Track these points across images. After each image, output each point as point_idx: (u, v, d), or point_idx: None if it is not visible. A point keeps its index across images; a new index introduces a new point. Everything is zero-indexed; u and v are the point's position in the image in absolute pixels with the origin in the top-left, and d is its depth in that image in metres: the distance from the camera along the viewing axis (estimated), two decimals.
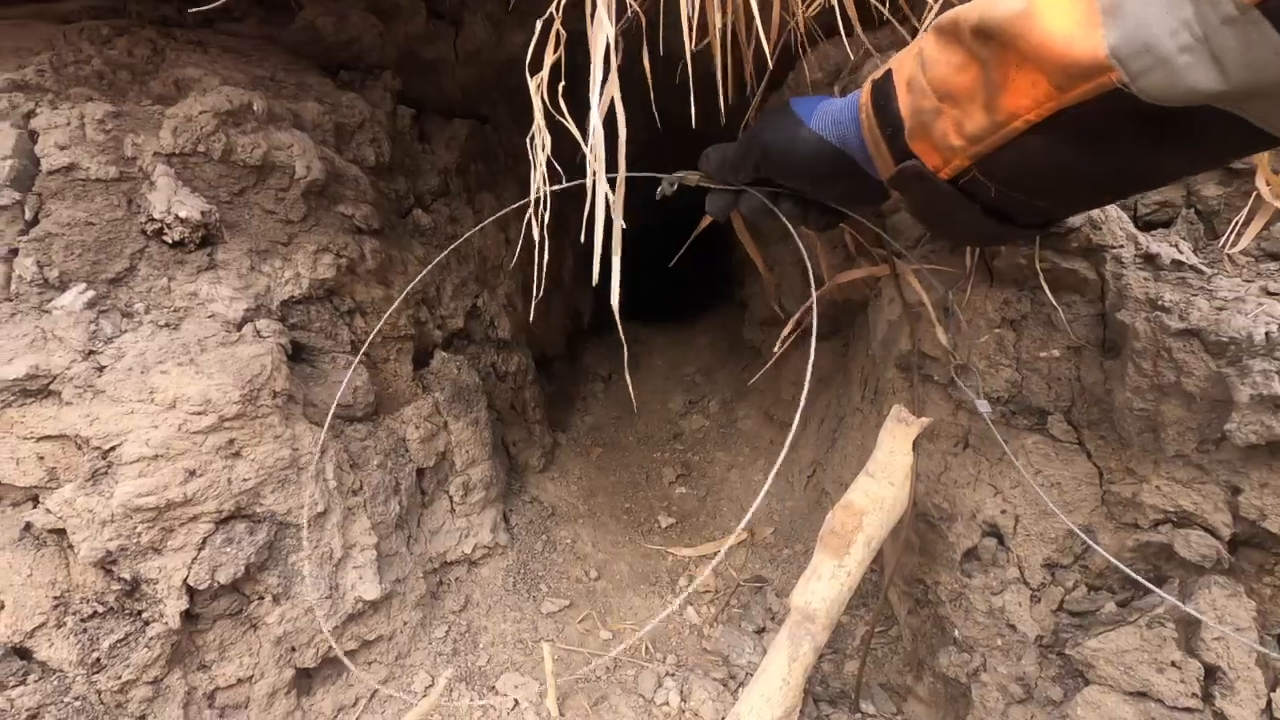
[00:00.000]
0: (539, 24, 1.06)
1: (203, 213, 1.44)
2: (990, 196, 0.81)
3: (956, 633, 1.32)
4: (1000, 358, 1.26)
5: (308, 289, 1.57)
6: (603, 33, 0.81)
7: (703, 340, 3.49)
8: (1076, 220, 1.15)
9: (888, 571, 1.47)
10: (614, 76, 0.87)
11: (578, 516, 2.20)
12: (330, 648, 1.44)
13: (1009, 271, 1.24)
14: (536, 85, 1.01)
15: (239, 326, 1.42)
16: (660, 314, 3.92)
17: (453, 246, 1.86)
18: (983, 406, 1.23)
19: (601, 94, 0.84)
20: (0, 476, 1.21)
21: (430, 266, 1.88)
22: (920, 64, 0.81)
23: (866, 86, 0.93)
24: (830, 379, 2.24)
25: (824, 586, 1.17)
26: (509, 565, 1.90)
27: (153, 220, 1.41)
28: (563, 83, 1.07)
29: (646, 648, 1.70)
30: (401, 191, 2.04)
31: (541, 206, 1.00)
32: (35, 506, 1.22)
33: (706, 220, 1.51)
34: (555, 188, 1.06)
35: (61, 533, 1.21)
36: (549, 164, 1.04)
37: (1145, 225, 1.24)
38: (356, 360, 1.61)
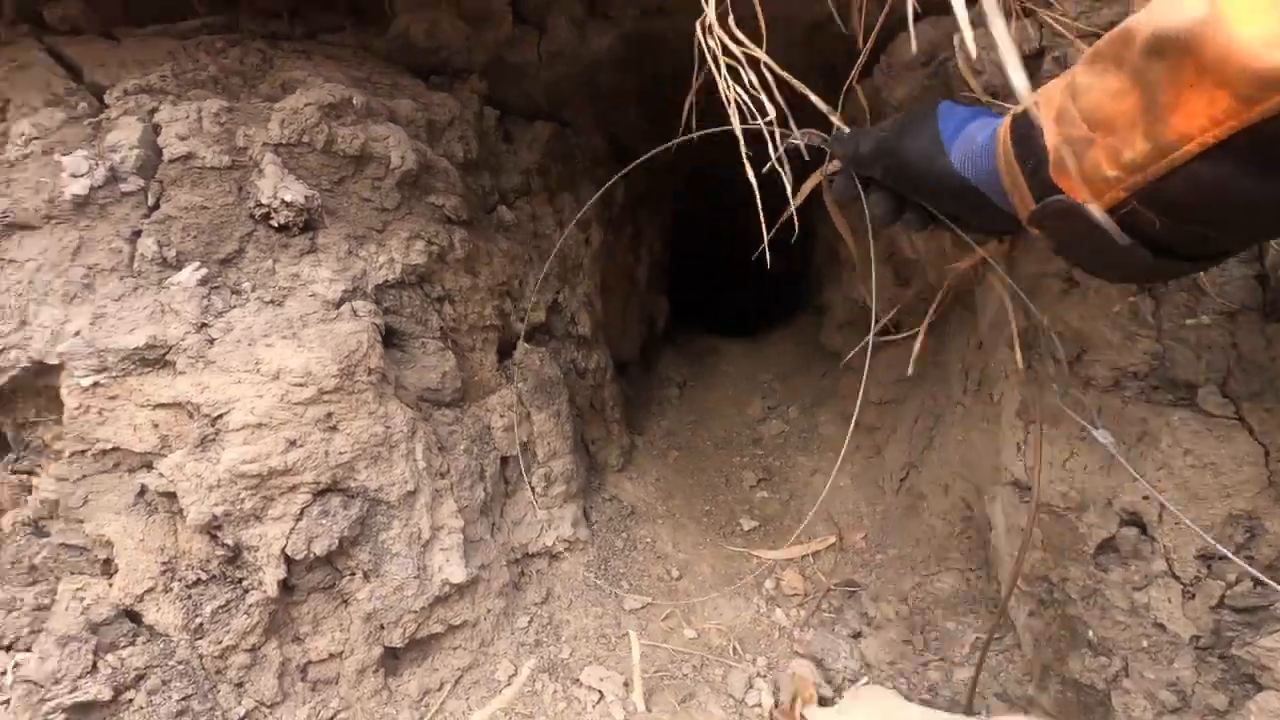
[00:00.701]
0: None
1: (306, 198, 1.49)
2: (1153, 230, 0.73)
3: (1091, 634, 1.19)
4: (1136, 328, 1.15)
5: (400, 274, 1.60)
6: None
7: (779, 347, 3.41)
8: None
9: (1010, 572, 1.35)
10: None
11: (657, 517, 2.14)
12: (417, 628, 1.42)
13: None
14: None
15: (337, 305, 1.45)
16: (734, 323, 3.86)
17: (556, 248, 1.87)
18: (1102, 436, 1.12)
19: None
20: (119, 442, 1.26)
21: (548, 263, 1.89)
22: (1071, 94, 0.75)
23: (1006, 121, 0.87)
24: (922, 376, 2.12)
25: None
26: (590, 560, 1.86)
27: (260, 205, 1.47)
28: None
29: (735, 648, 1.62)
30: (487, 188, 2.07)
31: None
32: (149, 472, 1.26)
33: (812, 182, 1.44)
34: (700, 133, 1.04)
35: (171, 496, 1.25)
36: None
37: None
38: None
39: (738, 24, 1.28)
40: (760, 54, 1.11)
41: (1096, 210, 0.74)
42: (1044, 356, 1.32)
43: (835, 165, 1.21)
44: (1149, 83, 0.65)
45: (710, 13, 1.02)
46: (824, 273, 3.24)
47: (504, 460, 1.77)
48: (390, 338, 1.60)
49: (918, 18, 1.73)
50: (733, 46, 1.06)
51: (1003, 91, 1.44)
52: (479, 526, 1.62)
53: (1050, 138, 0.78)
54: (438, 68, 2.18)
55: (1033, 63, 1.35)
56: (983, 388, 1.63)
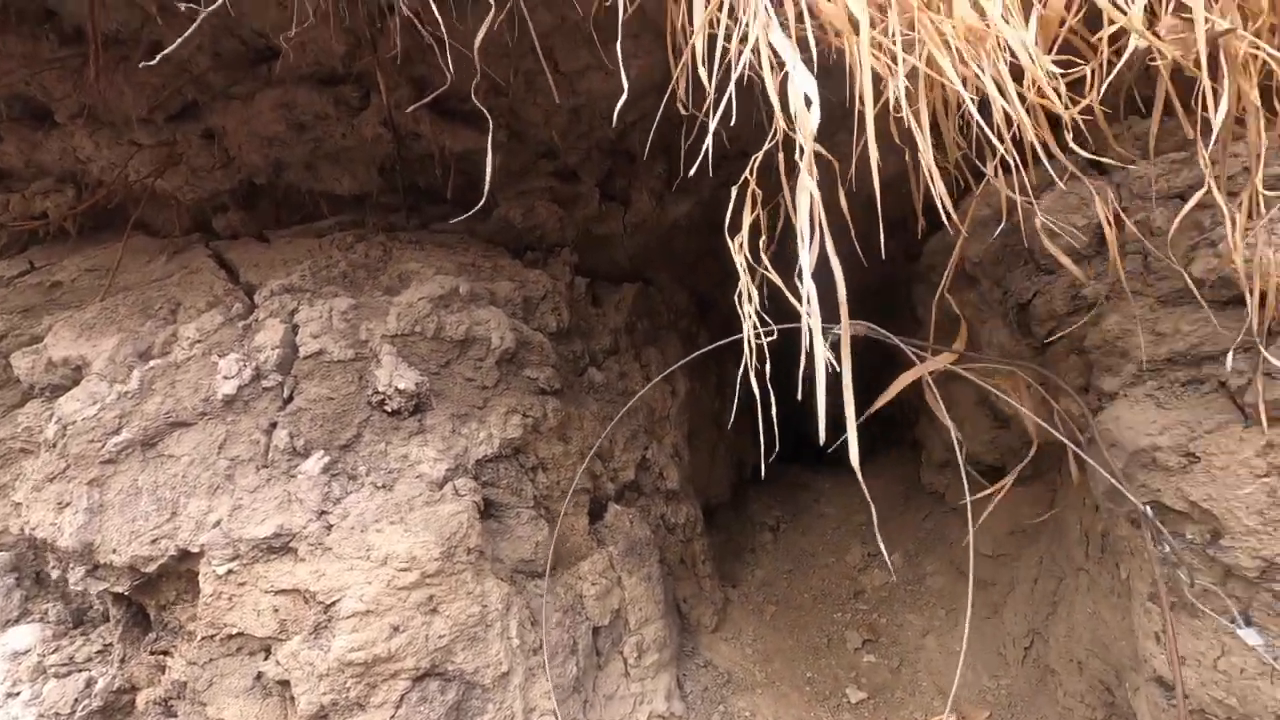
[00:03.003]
0: (734, 190, 1.14)
1: (416, 384, 1.64)
2: None
3: None
4: (1277, 513, 1.05)
5: (498, 448, 1.70)
6: (806, 191, 0.85)
7: (874, 483, 3.27)
8: None
9: None
10: (822, 231, 0.89)
11: (755, 685, 2.02)
12: None
13: (1271, 409, 1.06)
14: (739, 244, 1.08)
15: (440, 485, 1.54)
16: (826, 456, 3.76)
17: (630, 404, 1.94)
18: (1251, 637, 1.01)
19: (810, 246, 0.86)
20: (243, 627, 1.35)
21: (614, 422, 1.97)
22: None
23: None
24: (1037, 532, 1.98)
25: None
26: None
27: (377, 393, 1.62)
28: (757, 238, 1.13)
29: None
30: (578, 352, 2.20)
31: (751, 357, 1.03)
32: (267, 658, 1.34)
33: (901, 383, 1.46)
34: (772, 327, 1.09)
35: (285, 684, 1.31)
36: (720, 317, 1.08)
37: None
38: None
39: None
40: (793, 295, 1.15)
41: None
42: (1165, 533, 1.21)
43: (937, 364, 1.21)
44: None
45: (744, 234, 1.08)
46: (916, 404, 3.15)
47: (595, 630, 1.75)
48: (487, 509, 1.67)
49: (982, 176, 1.78)
50: (765, 269, 1.11)
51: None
52: (571, 705, 1.58)
53: None
54: (533, 244, 2.40)
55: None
56: (1106, 555, 1.50)
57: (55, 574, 1.53)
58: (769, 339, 1.09)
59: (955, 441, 1.82)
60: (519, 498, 1.72)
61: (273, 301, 1.83)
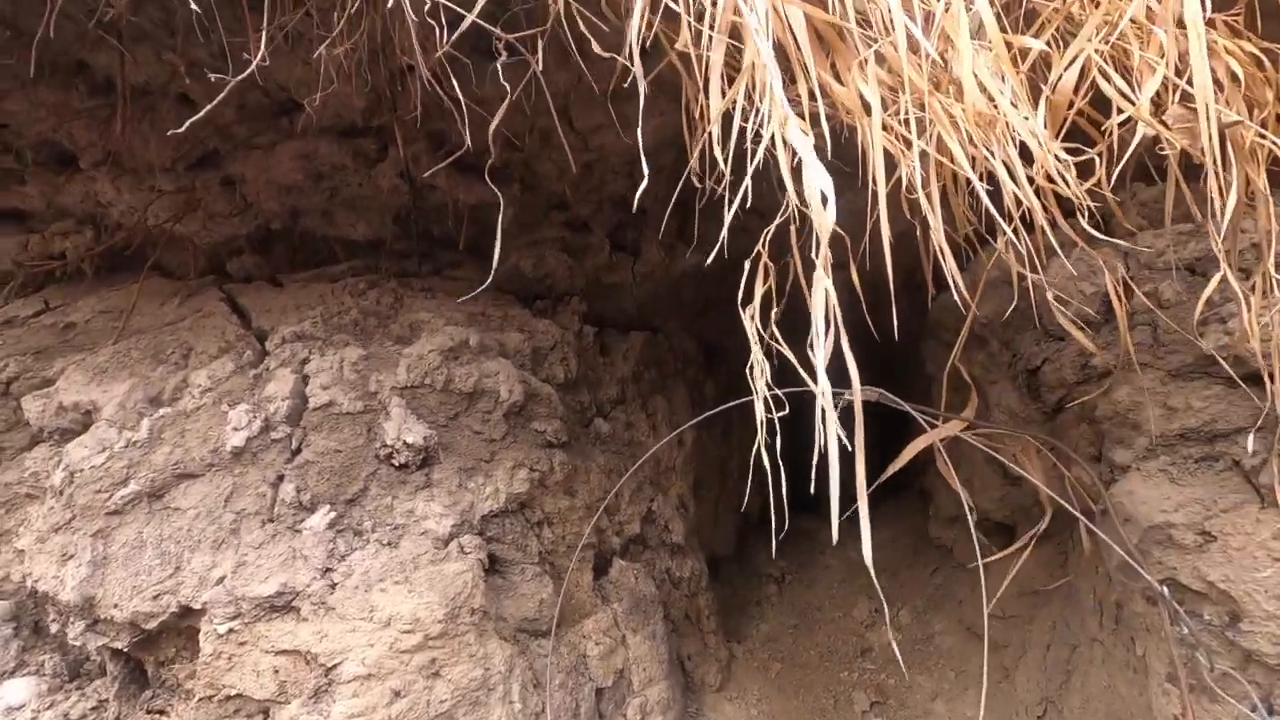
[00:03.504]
0: (748, 263, 1.16)
1: (425, 438, 1.64)
2: None
3: None
4: None
5: (504, 503, 1.69)
6: (821, 286, 0.87)
7: (881, 534, 3.22)
8: None
9: None
10: (837, 326, 0.90)
11: None
12: None
13: None
14: (751, 316, 1.09)
15: (446, 543, 1.53)
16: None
17: (641, 462, 1.94)
18: None
19: (825, 339, 0.87)
20: (242, 689, 1.33)
21: (623, 480, 1.96)
22: None
23: None
24: (1050, 595, 1.94)
25: None
26: None
27: (385, 446, 1.62)
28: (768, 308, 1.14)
29: None
30: (585, 403, 2.20)
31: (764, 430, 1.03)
32: None
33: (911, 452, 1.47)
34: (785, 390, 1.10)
35: None
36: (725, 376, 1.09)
37: None
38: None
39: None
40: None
41: None
42: (1183, 615, 1.19)
43: (948, 431, 1.22)
44: None
45: (755, 306, 1.10)
46: (924, 454, 3.13)
47: (599, 691, 1.72)
48: (492, 565, 1.65)
49: (994, 235, 1.79)
50: (778, 343, 1.12)
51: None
52: None
53: None
54: (542, 293, 2.42)
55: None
56: (1121, 628, 1.47)
57: (55, 627, 1.51)
58: (780, 413, 1.09)
59: (966, 506, 1.81)
60: (524, 554, 1.70)
61: (284, 350, 1.84)
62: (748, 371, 1.09)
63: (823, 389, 0.85)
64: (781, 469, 1.05)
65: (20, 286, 2.38)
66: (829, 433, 0.85)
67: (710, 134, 0.98)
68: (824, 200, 0.83)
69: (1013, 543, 1.86)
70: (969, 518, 1.95)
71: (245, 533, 1.46)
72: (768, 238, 1.14)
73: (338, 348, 1.82)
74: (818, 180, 0.82)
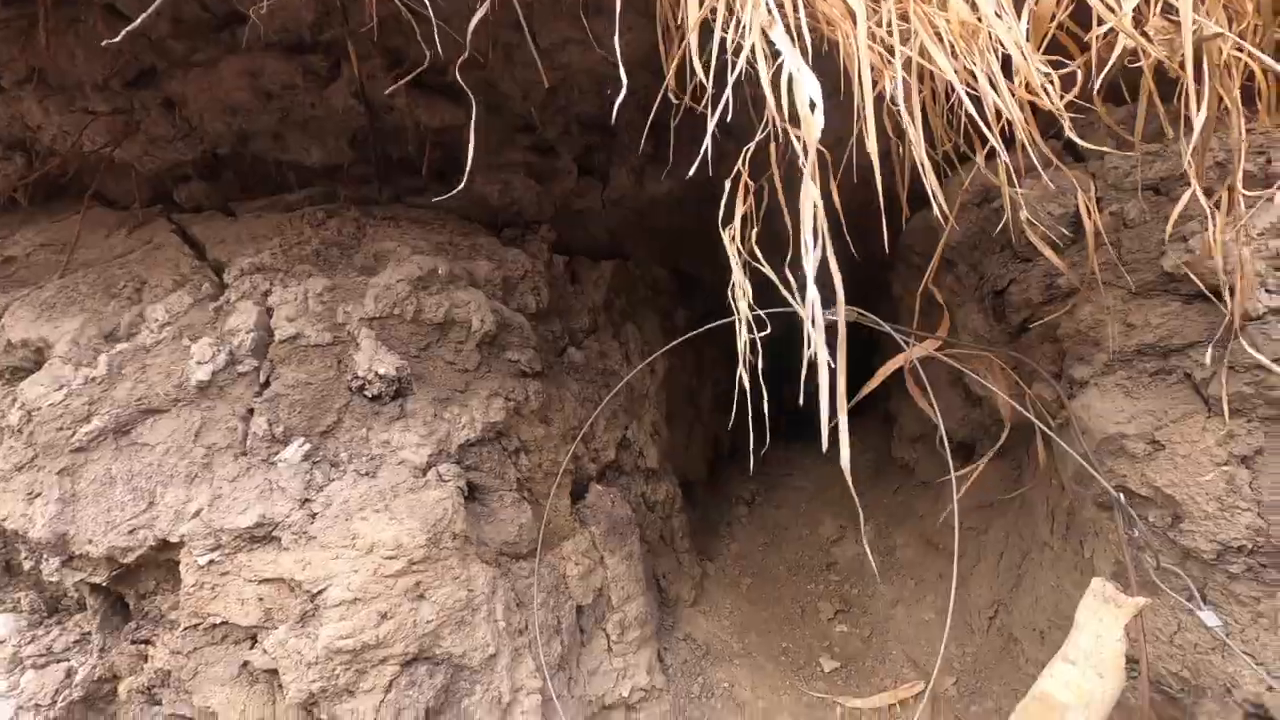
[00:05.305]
0: (728, 183, 1.14)
1: (397, 369, 1.61)
2: None
3: None
4: (1234, 499, 1.10)
5: (481, 432, 1.69)
6: (810, 198, 0.85)
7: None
8: None
9: None
10: (824, 238, 0.90)
11: (733, 656, 2.08)
12: None
13: (1232, 400, 1.11)
14: (731, 236, 1.07)
15: (424, 471, 1.54)
16: (800, 428, 3.83)
17: (615, 390, 1.94)
18: (1209, 618, 1.07)
19: (813, 253, 0.86)
20: (227, 616, 1.34)
21: (600, 407, 1.97)
22: None
23: None
24: (1004, 506, 2.05)
25: None
26: (665, 711, 1.82)
27: (357, 378, 1.60)
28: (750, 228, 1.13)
29: None
30: (557, 332, 2.18)
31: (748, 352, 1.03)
32: (253, 646, 1.34)
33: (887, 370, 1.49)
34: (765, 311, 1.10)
35: (273, 672, 1.31)
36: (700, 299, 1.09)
37: None
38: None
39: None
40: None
41: None
42: (1136, 518, 1.27)
43: (923, 350, 1.24)
44: None
45: (735, 227, 1.09)
46: (891, 379, 3.21)
47: (579, 609, 1.78)
48: (471, 492, 1.67)
49: (967, 160, 1.79)
50: (759, 263, 1.12)
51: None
52: (557, 682, 1.62)
53: None
54: (510, 220, 2.36)
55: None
56: (1071, 533, 1.57)
57: (28, 564, 1.49)
58: (762, 333, 1.09)
59: (937, 421, 1.87)
60: (502, 481, 1.72)
61: (244, 282, 1.77)
62: (729, 292, 1.09)
63: (811, 299, 0.85)
64: (763, 386, 1.07)
65: None
66: (819, 343, 0.86)
67: (689, 44, 0.94)
68: (812, 106, 0.81)
69: (972, 460, 1.94)
70: (940, 431, 2.03)
71: (218, 466, 1.44)
72: (748, 155, 1.11)
73: (300, 279, 1.75)
74: (806, 85, 0.79)
